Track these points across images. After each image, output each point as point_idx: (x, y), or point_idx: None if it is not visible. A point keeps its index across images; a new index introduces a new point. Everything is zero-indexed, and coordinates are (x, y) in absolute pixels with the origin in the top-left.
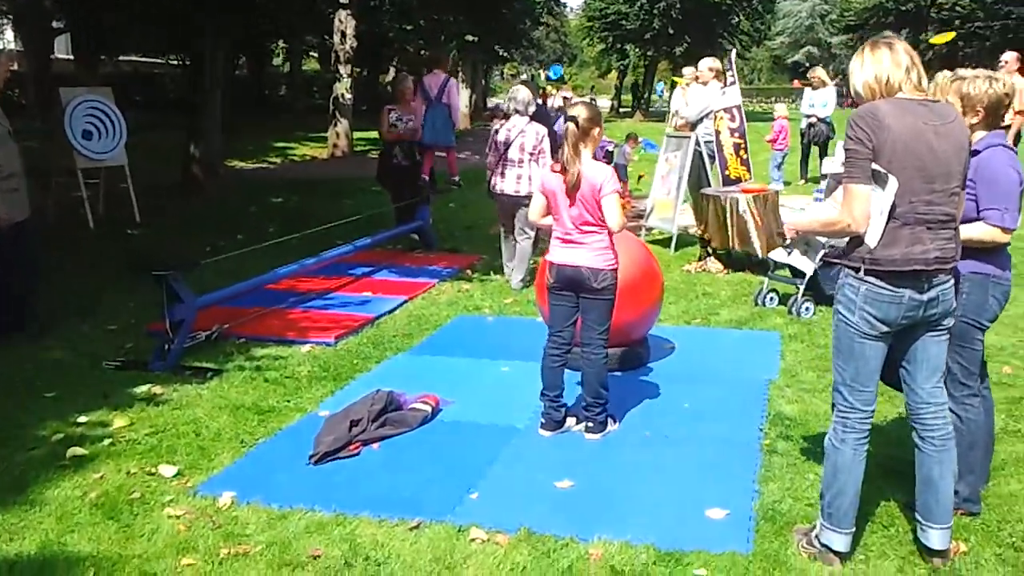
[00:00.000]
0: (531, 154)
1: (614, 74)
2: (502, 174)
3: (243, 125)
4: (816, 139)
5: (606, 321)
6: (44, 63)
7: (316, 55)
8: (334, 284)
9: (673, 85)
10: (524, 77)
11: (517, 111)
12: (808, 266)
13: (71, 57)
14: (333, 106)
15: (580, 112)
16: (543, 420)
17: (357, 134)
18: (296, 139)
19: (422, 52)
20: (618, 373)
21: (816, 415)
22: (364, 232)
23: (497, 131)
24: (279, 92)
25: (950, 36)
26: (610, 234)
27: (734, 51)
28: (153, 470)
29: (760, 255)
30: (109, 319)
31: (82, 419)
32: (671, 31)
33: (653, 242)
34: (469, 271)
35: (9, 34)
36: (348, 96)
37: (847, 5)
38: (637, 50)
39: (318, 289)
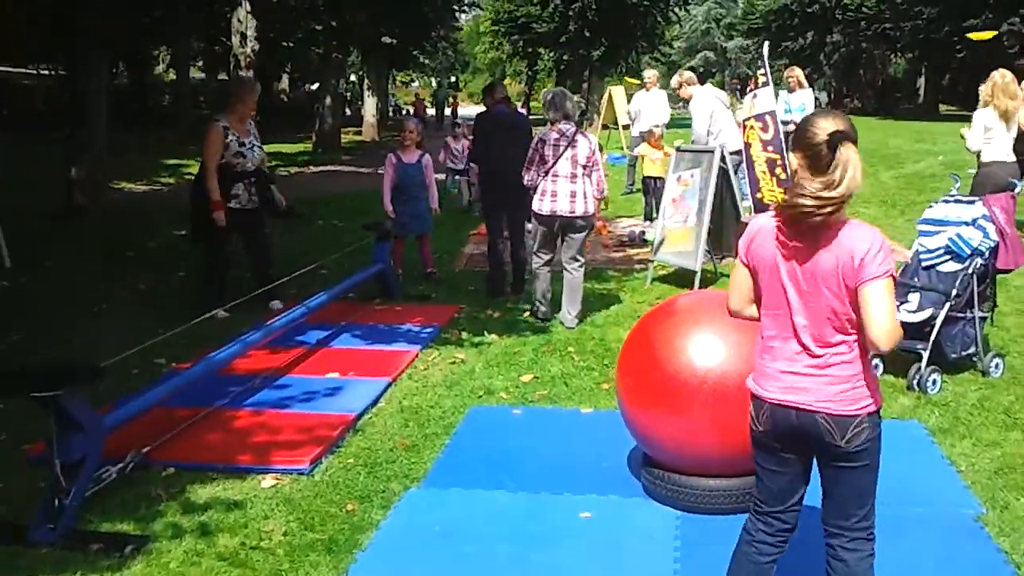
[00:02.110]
0: (584, 167)
1: (510, 81)
2: (552, 192)
3: (126, 140)
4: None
5: (868, 500)
6: None
7: (202, 62)
8: (284, 360)
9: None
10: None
11: (566, 116)
12: (922, 316)
13: None
14: None
15: (834, 124)
16: None
17: (265, 147)
18: (190, 155)
19: (334, 56)
20: (734, 516)
21: None
22: (304, 278)
23: (541, 141)
24: (162, 102)
25: (990, 35)
26: (863, 350)
27: (767, 44)
28: None
29: None
30: None
31: None
32: (587, 33)
33: (661, 280)
34: (455, 330)
35: None
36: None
37: (750, 7)
38: (551, 54)
39: (265, 370)
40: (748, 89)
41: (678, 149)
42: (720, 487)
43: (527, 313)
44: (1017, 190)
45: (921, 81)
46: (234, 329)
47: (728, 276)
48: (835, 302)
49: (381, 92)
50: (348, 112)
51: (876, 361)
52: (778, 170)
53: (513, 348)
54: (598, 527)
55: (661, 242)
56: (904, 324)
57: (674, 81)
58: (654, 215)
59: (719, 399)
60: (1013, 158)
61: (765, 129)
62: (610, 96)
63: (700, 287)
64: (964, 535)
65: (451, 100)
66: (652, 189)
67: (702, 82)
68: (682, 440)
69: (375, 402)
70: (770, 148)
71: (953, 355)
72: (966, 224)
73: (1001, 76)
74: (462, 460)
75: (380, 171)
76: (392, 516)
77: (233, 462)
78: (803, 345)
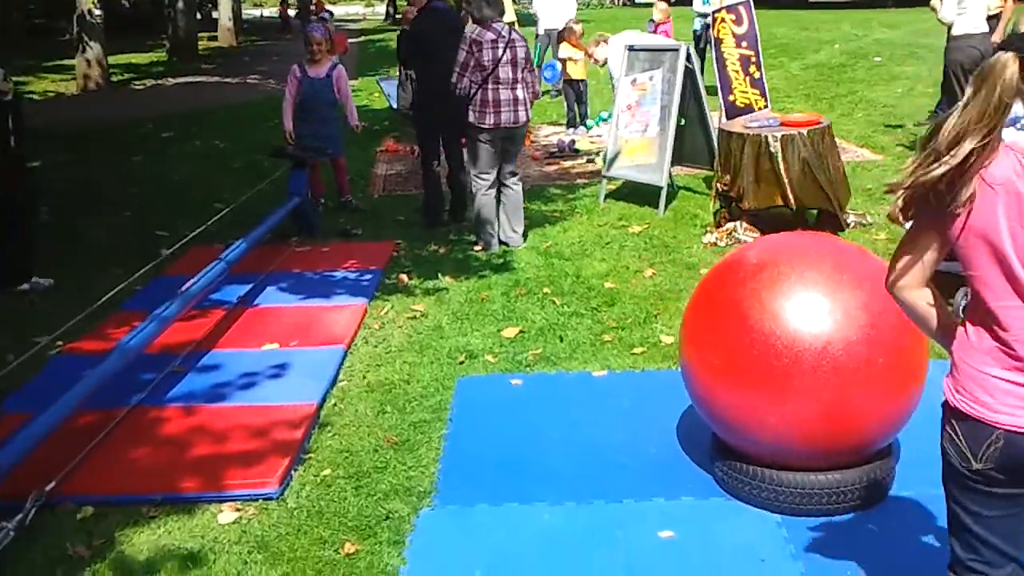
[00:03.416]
0: (522, 71)
1: None
2: (494, 102)
3: None
4: None
5: None
6: None
7: None
8: (203, 329)
9: None
10: None
11: (501, 13)
12: None
13: None
14: (79, 27)
15: None
16: None
17: (112, 59)
18: (29, 70)
19: None
20: (847, 517)
21: None
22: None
23: (476, 43)
24: None
25: None
26: None
27: None
28: None
29: (792, 205)
30: None
31: None
32: None
33: (614, 197)
34: (400, 274)
35: None
36: (98, 13)
37: None
38: None
39: (183, 346)
40: None
41: (630, 48)
42: (831, 483)
43: (477, 247)
44: None
45: None
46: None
47: (688, 190)
48: None
49: None
50: (199, 16)
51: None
52: (752, 68)
53: (477, 293)
54: (690, 550)
55: (616, 155)
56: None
57: None
58: (578, 122)
59: (832, 376)
60: (985, 28)
61: (738, 22)
62: None
63: (666, 205)
64: None
65: (316, 1)
66: (576, 93)
67: None
68: (787, 428)
69: (334, 381)
70: (744, 44)
71: None
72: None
73: None
74: (472, 459)
75: (250, 80)
76: (411, 557)
77: (175, 490)
78: None
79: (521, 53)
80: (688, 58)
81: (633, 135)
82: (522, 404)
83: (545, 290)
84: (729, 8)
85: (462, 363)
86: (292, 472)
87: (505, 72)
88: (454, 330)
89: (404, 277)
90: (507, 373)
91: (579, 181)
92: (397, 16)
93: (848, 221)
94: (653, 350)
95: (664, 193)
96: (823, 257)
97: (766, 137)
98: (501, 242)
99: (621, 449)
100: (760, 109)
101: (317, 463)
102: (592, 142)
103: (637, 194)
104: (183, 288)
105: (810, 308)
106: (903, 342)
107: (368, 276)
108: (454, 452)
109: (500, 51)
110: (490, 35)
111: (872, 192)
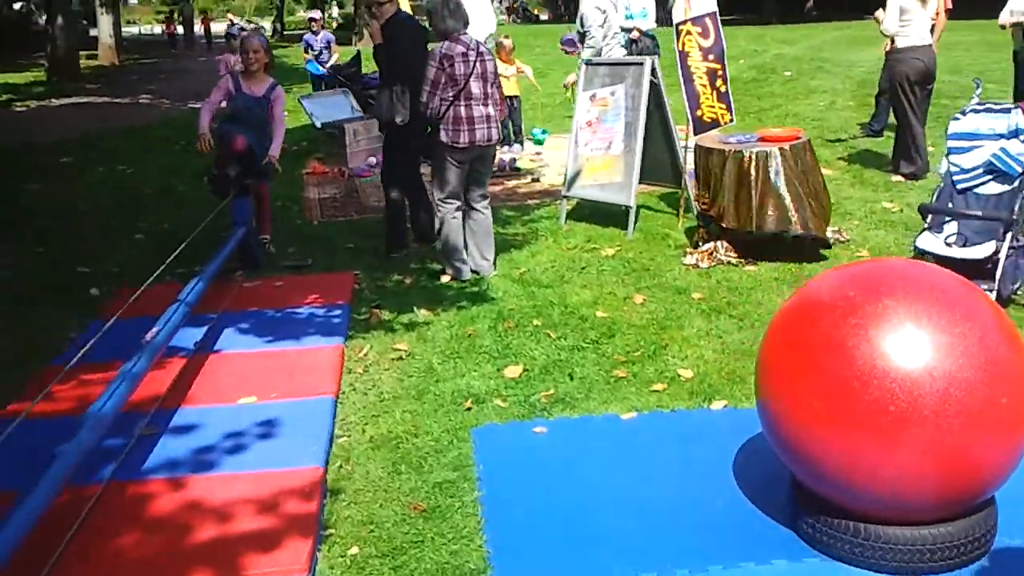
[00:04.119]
0: (491, 86)
1: None
2: (468, 119)
3: None
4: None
5: None
6: None
7: None
8: (164, 382)
9: None
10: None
11: (467, 24)
12: (985, 252)
13: None
14: None
15: None
16: None
17: None
18: None
19: None
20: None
21: None
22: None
23: (447, 58)
24: None
25: None
26: None
27: None
28: None
29: (797, 230)
30: None
31: None
32: None
33: (574, 218)
34: (370, 309)
35: None
36: None
37: None
38: None
39: (147, 403)
40: None
41: (587, 63)
42: (948, 535)
43: (445, 277)
44: (978, 91)
45: None
46: None
47: (648, 208)
48: None
49: (113, 7)
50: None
51: None
52: (719, 82)
53: (462, 328)
54: None
55: (576, 174)
56: (960, 262)
57: None
58: (512, 139)
59: (955, 419)
60: (930, 40)
61: (705, 34)
62: None
63: (635, 225)
64: None
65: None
66: (509, 110)
67: None
68: (901, 478)
69: (331, 438)
70: (711, 57)
71: (1006, 293)
72: (1012, 137)
73: None
74: (521, 527)
75: (143, 100)
76: None
77: None
78: None
79: (490, 67)
80: (653, 72)
81: (595, 153)
82: (554, 456)
83: (535, 322)
84: (695, 20)
85: (469, 409)
86: (316, 553)
87: (476, 87)
88: (448, 371)
89: (377, 312)
90: (525, 420)
91: (531, 202)
92: (285, 32)
93: (831, 238)
94: (674, 386)
95: (633, 213)
96: (927, 288)
97: (745, 153)
98: (472, 271)
99: (684, 505)
100: (726, 123)
101: (341, 540)
102: (532, 160)
103: (599, 214)
104: (147, 337)
105: (926, 346)
106: (1023, 379)
107: (336, 312)
108: (497, 520)
109: (470, 65)
110: (460, 48)
111: (836, 207)
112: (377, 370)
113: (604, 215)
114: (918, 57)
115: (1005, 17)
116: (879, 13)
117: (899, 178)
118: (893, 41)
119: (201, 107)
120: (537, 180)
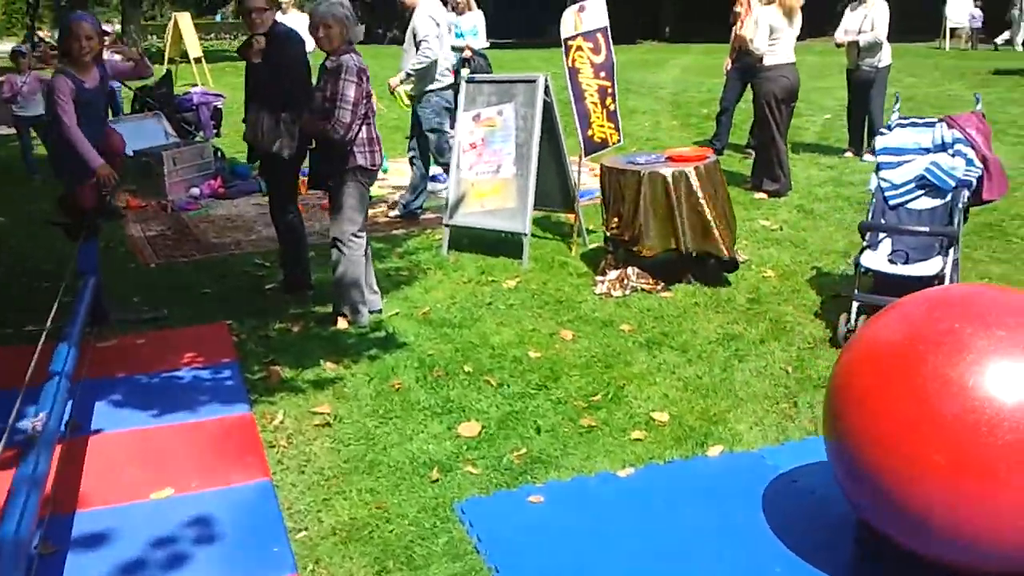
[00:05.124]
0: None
1: None
2: (376, 139)
3: None
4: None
5: None
6: None
7: None
8: (48, 478)
9: None
10: None
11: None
12: (934, 268)
13: None
14: None
15: None
16: None
17: None
18: None
19: None
20: None
21: None
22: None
23: (363, 72)
24: None
25: None
26: None
27: None
28: None
29: (724, 255)
30: None
31: None
32: None
33: (455, 248)
34: (262, 366)
35: None
36: None
37: None
38: None
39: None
40: None
41: (469, 80)
42: None
43: (341, 322)
44: (979, 107)
45: None
46: None
47: (535, 236)
48: None
49: None
50: None
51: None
52: (608, 100)
53: (384, 381)
54: None
55: (460, 200)
56: (908, 280)
57: None
58: None
59: None
60: (794, 58)
61: (596, 51)
62: (176, 24)
63: (521, 254)
64: None
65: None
66: None
67: None
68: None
69: (285, 534)
70: (602, 74)
71: None
72: (938, 151)
73: None
74: None
75: None
76: None
77: None
78: None
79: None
80: (546, 90)
81: (482, 177)
82: (565, 532)
83: (466, 368)
84: (586, 35)
85: (437, 481)
86: None
87: (371, 104)
88: (391, 436)
89: (276, 370)
90: (511, 489)
91: (397, 232)
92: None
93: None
94: (654, 432)
95: (527, 242)
96: (1011, 308)
97: (666, 175)
98: (369, 311)
99: (740, 573)
100: (614, 143)
101: None
102: (380, 187)
103: (481, 243)
104: (32, 425)
105: None
106: None
107: (226, 373)
108: None
109: (366, 81)
110: (360, 62)
111: None
112: (303, 441)
113: (488, 244)
114: (785, 75)
115: (840, 36)
116: (748, 32)
117: (762, 195)
118: (762, 60)
119: (70, 133)
120: (393, 207)
